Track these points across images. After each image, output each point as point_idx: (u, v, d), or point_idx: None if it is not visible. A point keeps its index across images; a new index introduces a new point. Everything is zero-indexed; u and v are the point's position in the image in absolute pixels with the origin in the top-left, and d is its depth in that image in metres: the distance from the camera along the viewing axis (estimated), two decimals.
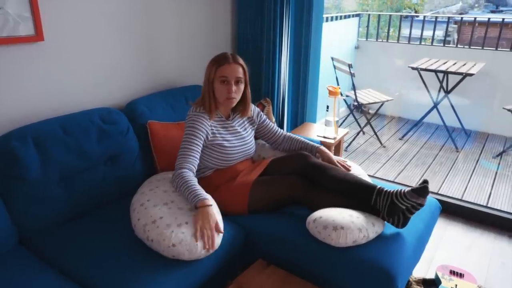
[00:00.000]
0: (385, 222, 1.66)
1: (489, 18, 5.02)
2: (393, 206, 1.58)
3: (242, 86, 1.83)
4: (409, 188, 1.56)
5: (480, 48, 4.66)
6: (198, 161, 1.73)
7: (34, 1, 1.64)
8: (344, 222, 1.54)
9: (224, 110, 1.90)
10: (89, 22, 1.89)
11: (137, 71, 2.18)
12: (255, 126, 2.04)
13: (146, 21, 2.15)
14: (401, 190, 1.58)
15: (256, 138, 2.08)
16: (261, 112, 2.07)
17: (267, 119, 2.08)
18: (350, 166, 1.95)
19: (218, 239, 1.51)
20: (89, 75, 1.96)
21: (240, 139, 1.92)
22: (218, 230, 1.51)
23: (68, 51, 1.84)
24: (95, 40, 1.94)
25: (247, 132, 1.97)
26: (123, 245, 1.54)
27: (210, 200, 1.59)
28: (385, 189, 1.63)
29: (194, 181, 1.64)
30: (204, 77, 1.83)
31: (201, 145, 1.77)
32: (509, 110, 3.71)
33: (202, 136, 1.76)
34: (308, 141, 2.05)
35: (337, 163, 1.92)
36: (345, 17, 5.21)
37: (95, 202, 1.79)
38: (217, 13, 2.58)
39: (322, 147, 2.01)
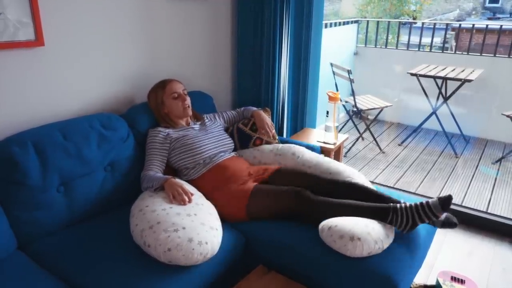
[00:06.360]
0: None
1: (487, 25, 5.06)
2: (414, 224, 1.59)
3: (188, 97, 2.04)
4: (435, 200, 1.56)
5: (478, 54, 4.69)
6: (161, 165, 1.89)
7: (35, 7, 1.64)
8: (361, 233, 1.49)
9: (183, 121, 2.06)
10: (90, 28, 1.89)
11: (138, 77, 2.18)
12: (220, 121, 2.24)
13: (147, 26, 2.16)
14: (424, 207, 1.57)
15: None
16: (216, 113, 2.30)
17: (225, 112, 2.31)
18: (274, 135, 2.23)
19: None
20: (90, 81, 1.96)
21: (204, 133, 2.03)
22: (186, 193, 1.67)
23: (69, 56, 1.84)
24: (96, 45, 1.94)
25: (209, 127, 2.11)
26: (122, 251, 1.53)
27: (171, 177, 1.75)
28: (400, 208, 1.59)
29: (154, 173, 1.81)
30: (151, 106, 2.04)
31: (162, 152, 1.92)
32: (507, 116, 3.72)
33: (159, 145, 1.92)
34: (248, 108, 2.33)
35: (269, 130, 2.19)
36: (344, 23, 5.24)
37: (94, 208, 1.78)
38: (217, 22, 2.58)
39: (258, 112, 2.25)
